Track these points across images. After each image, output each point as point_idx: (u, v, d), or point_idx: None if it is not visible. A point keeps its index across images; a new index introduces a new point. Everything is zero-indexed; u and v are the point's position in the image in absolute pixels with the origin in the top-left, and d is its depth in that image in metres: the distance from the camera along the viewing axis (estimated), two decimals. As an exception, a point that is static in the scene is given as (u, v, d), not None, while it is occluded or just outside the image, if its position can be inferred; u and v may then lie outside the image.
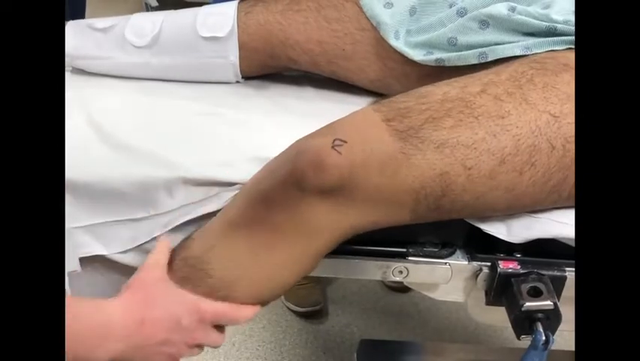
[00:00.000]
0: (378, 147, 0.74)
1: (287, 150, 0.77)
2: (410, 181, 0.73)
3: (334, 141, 0.74)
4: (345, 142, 0.73)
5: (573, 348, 0.61)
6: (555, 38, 0.83)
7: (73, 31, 1.02)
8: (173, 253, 0.79)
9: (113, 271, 0.85)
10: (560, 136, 0.75)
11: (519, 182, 0.75)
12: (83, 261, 0.82)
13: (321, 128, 0.77)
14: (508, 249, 0.83)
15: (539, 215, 0.80)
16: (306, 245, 0.76)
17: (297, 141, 0.77)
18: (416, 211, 0.75)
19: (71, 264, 0.81)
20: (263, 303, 0.78)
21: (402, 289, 1.66)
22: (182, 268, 0.76)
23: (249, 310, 0.77)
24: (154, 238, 0.82)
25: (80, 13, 1.53)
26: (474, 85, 0.79)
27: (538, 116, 0.75)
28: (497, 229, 0.80)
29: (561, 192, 0.77)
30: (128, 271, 0.84)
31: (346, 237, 0.77)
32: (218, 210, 0.81)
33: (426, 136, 0.74)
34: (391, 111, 0.77)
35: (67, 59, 1.03)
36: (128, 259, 0.83)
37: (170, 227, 0.82)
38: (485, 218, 0.80)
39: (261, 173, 0.79)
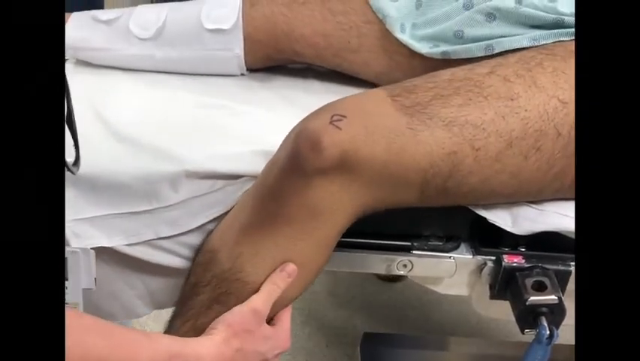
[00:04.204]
0: (383, 122, 0.72)
1: (287, 136, 0.76)
2: (419, 159, 0.72)
3: (333, 116, 0.72)
4: (345, 117, 0.71)
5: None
6: (562, 30, 0.83)
7: (77, 22, 1.02)
8: (201, 270, 0.79)
9: (121, 263, 0.85)
10: (566, 123, 0.74)
11: (524, 167, 0.75)
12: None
13: (320, 107, 0.75)
14: (512, 243, 0.83)
15: (544, 208, 0.80)
16: (326, 229, 0.75)
17: (297, 124, 0.75)
18: (424, 192, 0.74)
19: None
20: (307, 287, 0.79)
21: (392, 278, 1.65)
22: (220, 284, 0.76)
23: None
24: (161, 238, 0.82)
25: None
26: (482, 67, 0.78)
27: (547, 100, 0.75)
28: (503, 220, 0.80)
29: (564, 180, 0.77)
30: (135, 263, 0.84)
31: (360, 216, 0.76)
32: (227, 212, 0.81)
33: (434, 113, 0.73)
34: (397, 88, 0.76)
35: (71, 51, 1.02)
36: (137, 253, 0.83)
37: (178, 231, 0.82)
38: (490, 207, 0.80)
39: (266, 167, 0.78)
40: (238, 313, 0.74)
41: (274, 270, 0.75)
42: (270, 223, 0.75)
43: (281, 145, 0.77)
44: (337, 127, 0.71)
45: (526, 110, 0.74)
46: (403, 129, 0.72)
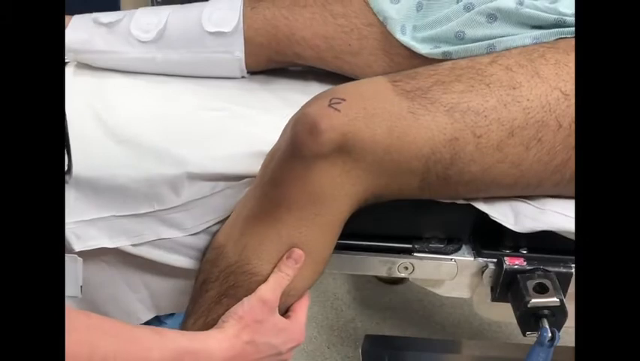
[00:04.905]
0: (384, 105, 0.71)
1: (287, 123, 0.75)
2: (421, 145, 0.71)
3: (331, 99, 0.71)
4: (344, 100, 0.71)
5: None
6: (564, 29, 0.82)
7: (78, 25, 1.02)
8: (209, 266, 0.78)
9: (123, 265, 0.85)
10: (568, 115, 0.74)
11: (525, 157, 0.75)
12: (94, 253, 0.83)
13: (319, 93, 0.75)
14: (514, 245, 0.83)
15: (545, 207, 0.80)
16: (329, 215, 0.74)
17: (296, 111, 0.75)
18: (425, 180, 0.74)
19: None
20: (317, 278, 0.78)
21: (393, 281, 1.65)
22: (227, 278, 0.76)
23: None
24: (162, 239, 0.82)
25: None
26: (484, 57, 0.78)
27: (549, 91, 0.75)
28: (504, 217, 0.79)
29: (564, 172, 0.77)
30: (138, 265, 0.84)
31: (363, 203, 0.75)
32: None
33: (435, 97, 0.72)
34: (398, 75, 0.76)
35: (72, 54, 1.02)
36: (140, 252, 0.83)
37: (181, 234, 0.82)
38: (492, 204, 0.79)
39: (267, 157, 0.78)
40: (247, 304, 0.73)
41: (280, 259, 0.75)
42: (272, 211, 0.74)
43: (281, 134, 0.76)
44: (336, 109, 0.70)
45: (528, 100, 0.74)
46: (404, 113, 0.71)
